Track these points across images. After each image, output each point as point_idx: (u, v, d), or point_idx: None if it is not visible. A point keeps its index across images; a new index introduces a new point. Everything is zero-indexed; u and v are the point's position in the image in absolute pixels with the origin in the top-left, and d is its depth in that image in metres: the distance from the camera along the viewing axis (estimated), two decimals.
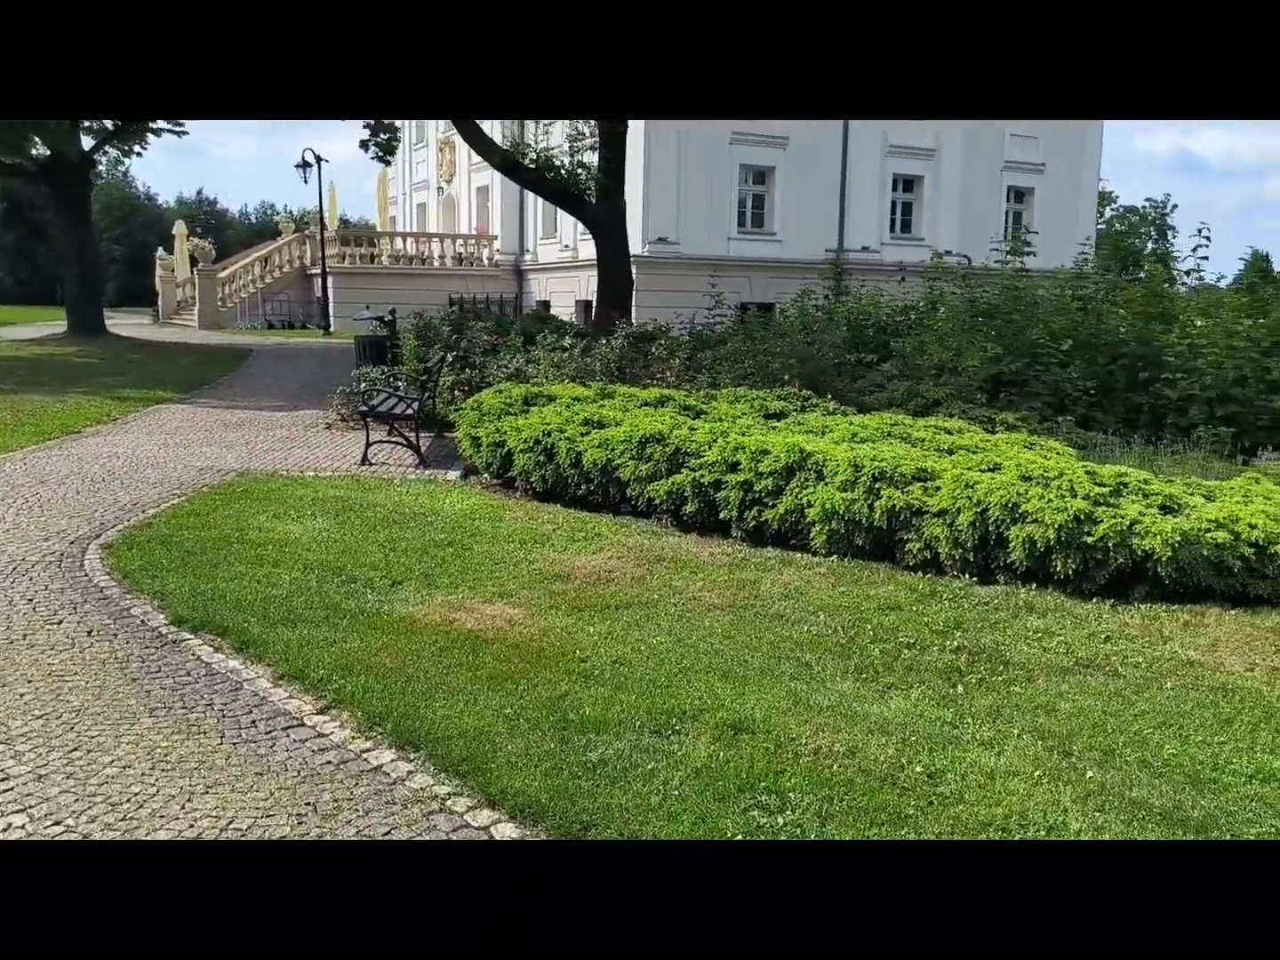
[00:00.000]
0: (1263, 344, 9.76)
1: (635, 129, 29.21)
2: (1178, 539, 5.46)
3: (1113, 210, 67.41)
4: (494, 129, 33.64)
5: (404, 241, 34.95)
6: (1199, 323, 10.51)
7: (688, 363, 10.70)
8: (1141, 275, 15.87)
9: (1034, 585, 5.83)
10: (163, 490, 8.11)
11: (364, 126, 23.66)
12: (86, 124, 19.96)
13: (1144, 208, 72.66)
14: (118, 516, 7.23)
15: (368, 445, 9.43)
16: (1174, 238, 79.15)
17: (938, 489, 6.26)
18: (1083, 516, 5.65)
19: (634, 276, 16.75)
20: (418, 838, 3.48)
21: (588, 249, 32.84)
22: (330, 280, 32.12)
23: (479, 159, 37.10)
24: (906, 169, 32.46)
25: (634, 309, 29.99)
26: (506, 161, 15.67)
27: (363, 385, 11.73)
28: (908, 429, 8.20)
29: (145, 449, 9.93)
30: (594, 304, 16.57)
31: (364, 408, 9.32)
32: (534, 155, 15.51)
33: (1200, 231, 13.03)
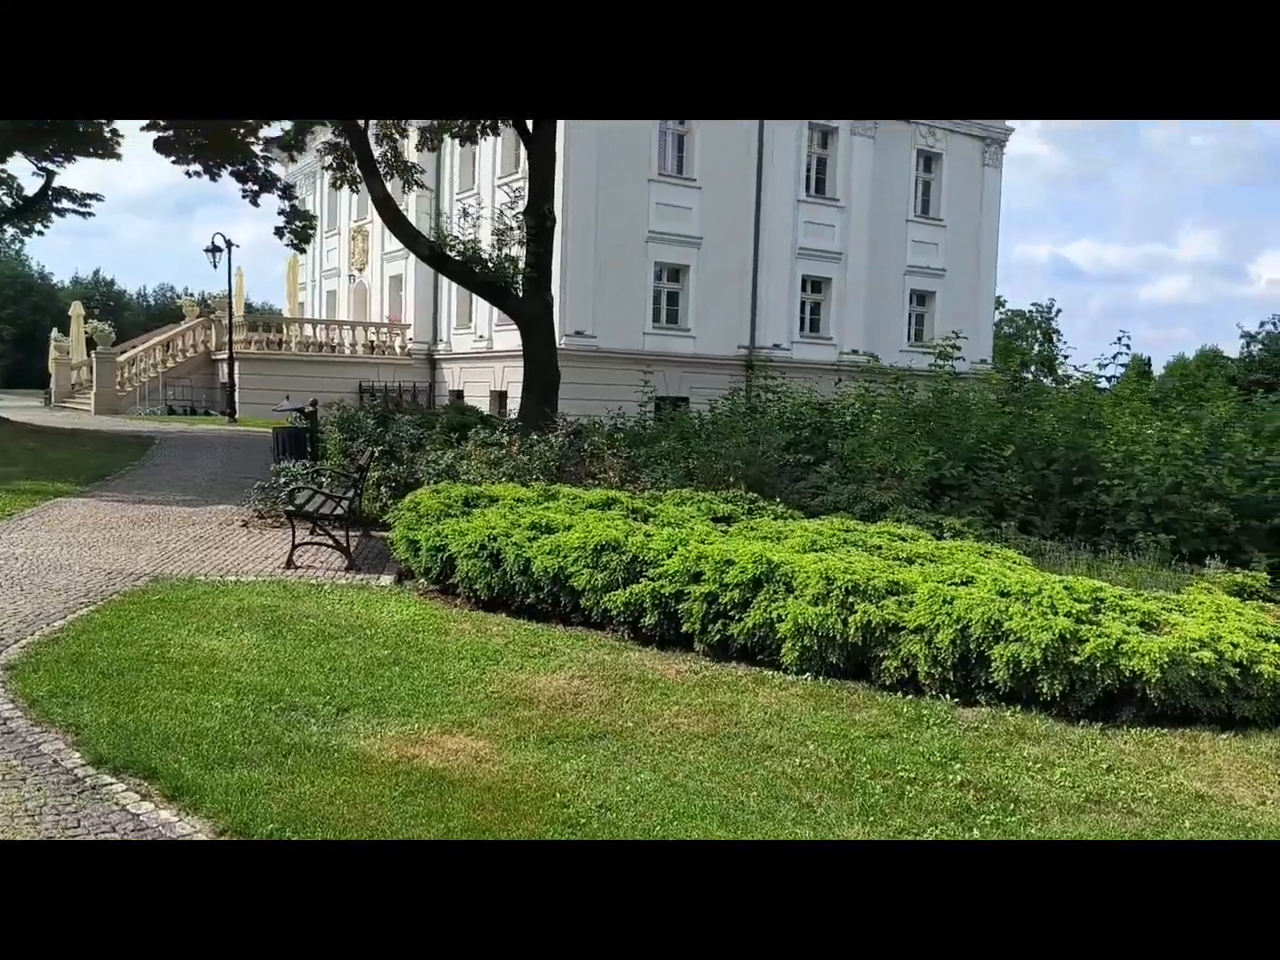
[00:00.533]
0: (1196, 451, 9.96)
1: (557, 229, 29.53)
2: (1165, 660, 5.32)
3: (1000, 313, 70.42)
4: (420, 221, 33.58)
5: (314, 328, 34.35)
6: (1132, 428, 10.72)
7: (628, 461, 10.44)
8: (1029, 376, 16.42)
9: (1018, 707, 5.61)
10: (69, 598, 7.41)
11: (279, 213, 23.30)
12: None
13: (1030, 311, 76.28)
14: (19, 630, 6.54)
15: (294, 547, 8.86)
16: (1060, 340, 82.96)
17: (912, 604, 6.05)
18: (1068, 635, 5.48)
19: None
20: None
21: (503, 340, 32.74)
22: (237, 366, 31.27)
23: (393, 247, 36.95)
24: (815, 270, 33.36)
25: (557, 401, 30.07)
26: (434, 254, 15.45)
27: (283, 481, 11.16)
28: (861, 535, 8.04)
29: (46, 549, 9.17)
30: (520, 397, 16.27)
31: (290, 507, 8.78)
32: (461, 248, 15.31)
33: (1120, 339, 13.49)
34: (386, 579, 8.58)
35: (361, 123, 15.31)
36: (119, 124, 28.03)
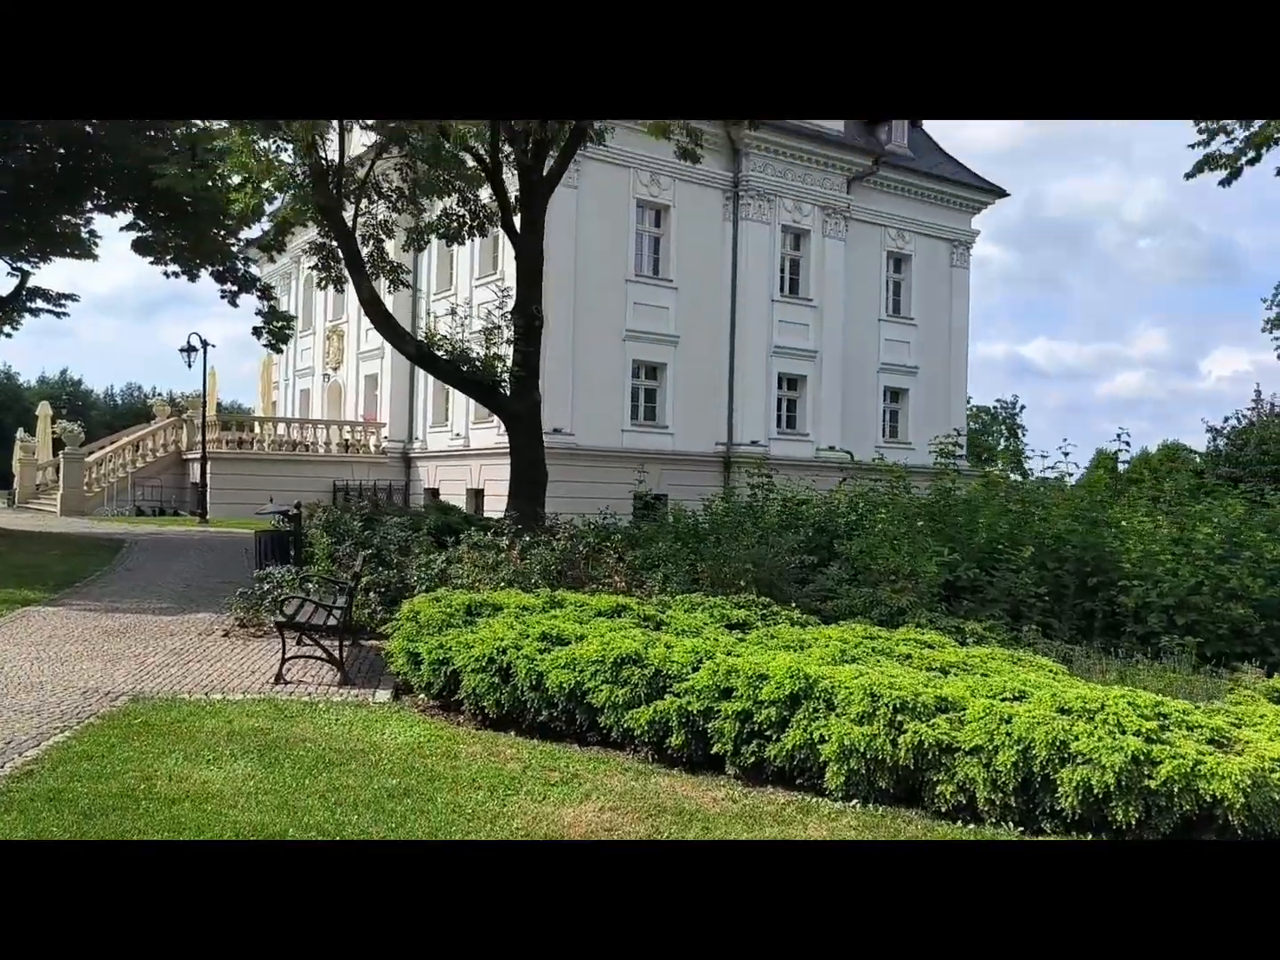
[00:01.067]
0: (1216, 550, 9.74)
1: None
2: (1248, 782, 4.95)
3: (966, 410, 71.54)
4: (407, 320, 33.52)
5: (288, 427, 33.96)
6: (1148, 526, 10.51)
7: (632, 564, 10.04)
8: (993, 471, 16.29)
9: (1088, 834, 5.19)
10: (42, 722, 6.84)
11: (256, 313, 23.12)
12: None
13: (994, 407, 77.44)
14: None
15: (284, 661, 8.33)
16: (1024, 435, 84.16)
17: (964, 721, 5.66)
18: (1141, 757, 5.10)
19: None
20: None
21: (480, 438, 32.51)
22: (209, 466, 30.75)
23: (370, 346, 36.93)
24: (791, 368, 33.59)
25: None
26: (421, 353, 15.23)
27: (267, 588, 10.65)
28: (886, 643, 7.67)
29: (15, 665, 8.57)
30: (508, 497, 15.90)
31: (279, 617, 8.27)
32: (449, 347, 15.11)
33: (1119, 436, 13.44)
34: (383, 694, 8.05)
35: (350, 223, 15.20)
36: (97, 225, 27.96)
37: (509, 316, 15.54)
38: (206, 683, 8.23)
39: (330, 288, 16.45)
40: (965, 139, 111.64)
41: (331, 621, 8.39)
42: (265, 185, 14.40)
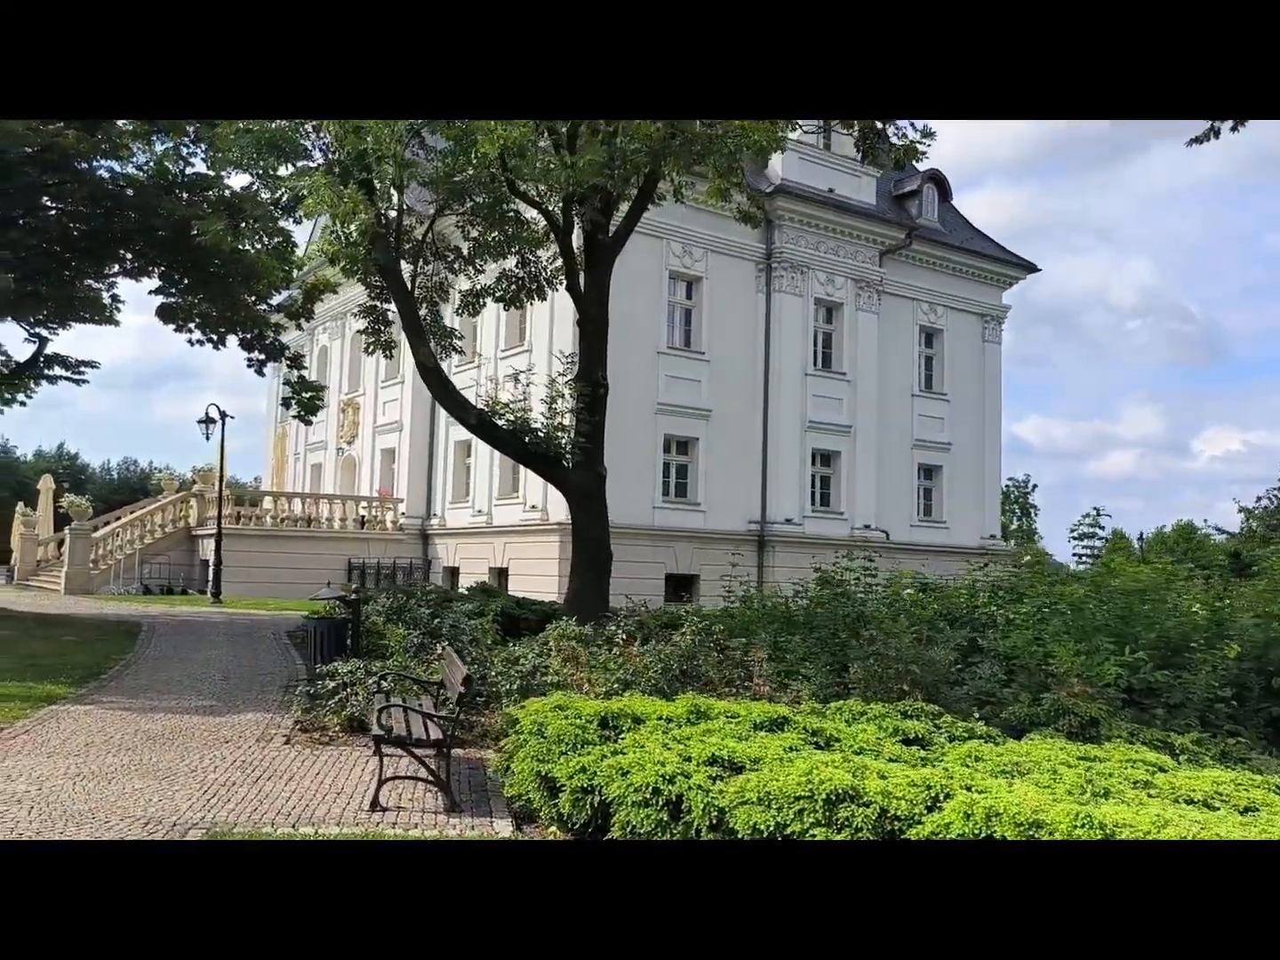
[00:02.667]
0: None
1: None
2: None
3: (1001, 489, 70.96)
4: (469, 390, 32.50)
5: (303, 503, 32.71)
6: None
7: (773, 663, 8.71)
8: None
9: None
10: None
11: (285, 383, 22.07)
12: None
13: (1006, 486, 76.72)
14: None
15: (380, 784, 6.97)
16: (1036, 514, 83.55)
17: None
18: None
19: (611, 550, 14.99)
20: None
21: (503, 515, 31.24)
22: (230, 543, 29.45)
23: (387, 420, 35.85)
24: (824, 444, 32.58)
25: (558, 579, 28.30)
26: (482, 422, 14.09)
27: (331, 686, 9.32)
28: (1107, 765, 6.40)
29: (54, 786, 7.21)
30: (571, 579, 14.63)
31: (378, 731, 6.92)
32: (511, 416, 13.98)
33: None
34: (502, 825, 6.70)
35: (409, 283, 14.19)
36: (120, 290, 27.05)
37: (572, 385, 14.45)
38: (288, 808, 6.87)
39: (379, 353, 15.36)
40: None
41: (435, 736, 7.03)
42: (340, 234, 13.27)
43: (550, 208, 13.94)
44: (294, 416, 21.37)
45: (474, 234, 14.00)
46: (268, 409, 44.87)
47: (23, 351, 21.31)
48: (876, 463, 33.51)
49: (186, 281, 20.04)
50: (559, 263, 15.34)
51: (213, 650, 15.21)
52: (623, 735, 6.67)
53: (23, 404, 21.99)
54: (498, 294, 15.33)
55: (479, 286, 15.31)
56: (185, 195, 18.40)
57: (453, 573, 32.00)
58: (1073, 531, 12.87)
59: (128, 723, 9.52)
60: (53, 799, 6.86)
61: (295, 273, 21.00)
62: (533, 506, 29.45)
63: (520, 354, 30.55)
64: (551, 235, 14.55)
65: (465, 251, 14.67)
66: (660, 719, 6.92)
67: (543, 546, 28.61)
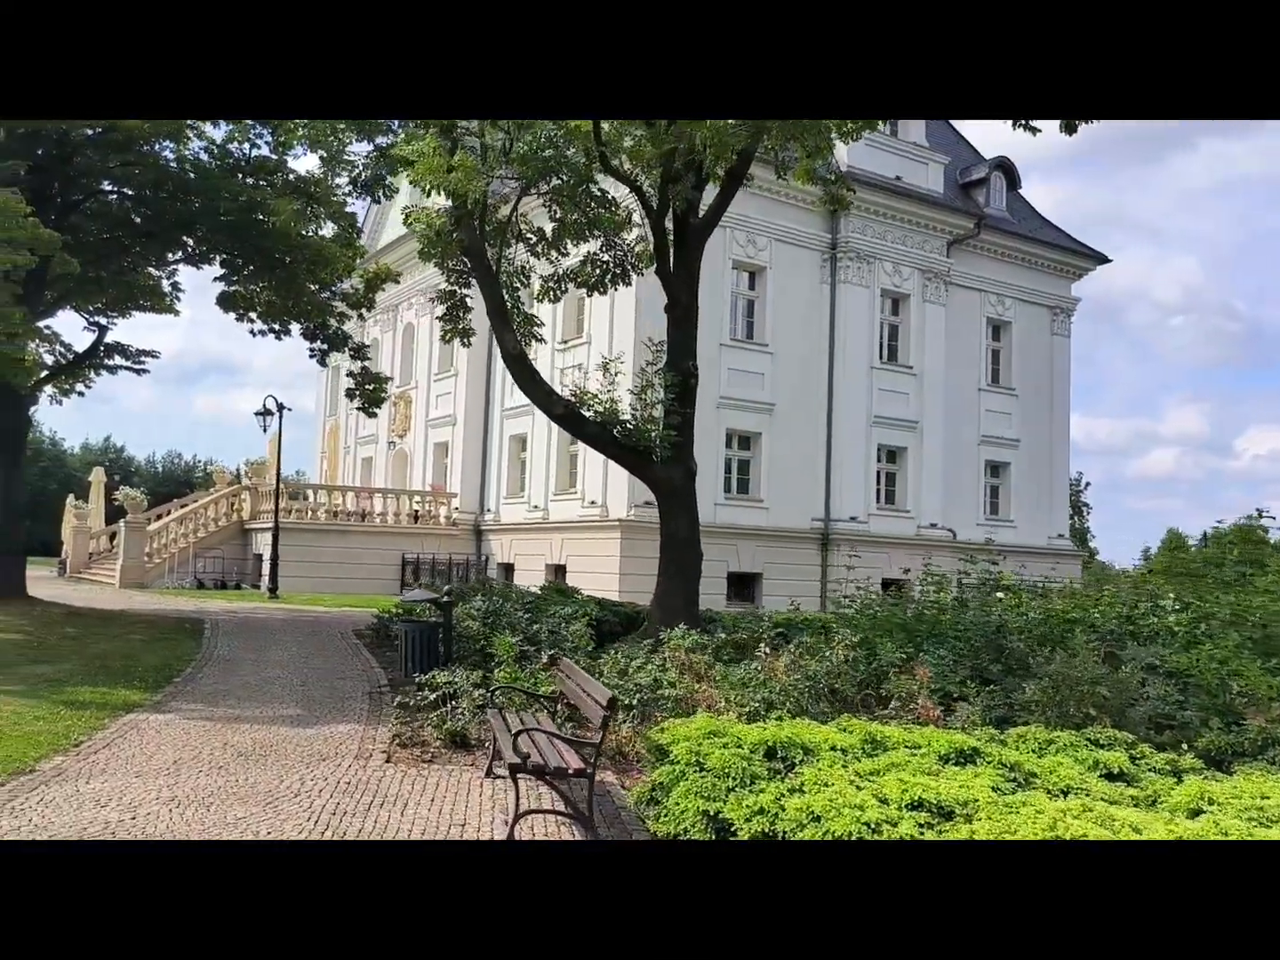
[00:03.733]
0: None
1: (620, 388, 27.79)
2: None
3: (1070, 487, 69.56)
4: (554, 379, 31.70)
5: (356, 497, 32.16)
6: None
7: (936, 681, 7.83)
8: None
9: None
10: None
11: (348, 375, 21.44)
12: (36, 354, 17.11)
13: None
14: None
15: (516, 819, 6.18)
16: (1089, 514, 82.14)
17: None
18: None
19: (701, 547, 14.15)
20: None
21: (560, 510, 30.49)
22: (286, 538, 28.98)
23: (439, 414, 35.22)
24: (890, 439, 31.57)
25: (619, 576, 27.55)
26: (569, 412, 13.30)
27: (433, 698, 8.57)
28: None
29: (151, 812, 6.51)
30: (658, 583, 13.83)
31: (515, 759, 6.13)
32: (599, 407, 13.19)
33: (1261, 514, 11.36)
34: None
35: (494, 267, 13.42)
36: (181, 277, 26.59)
37: (662, 374, 13.64)
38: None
39: (430, 345, 14.64)
40: None
41: (577, 767, 6.23)
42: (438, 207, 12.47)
43: (643, 185, 13.11)
44: (357, 409, 20.74)
45: (558, 215, 13.17)
46: (316, 403, 44.48)
47: (81, 341, 20.79)
48: (943, 459, 32.45)
49: (250, 268, 19.44)
50: (642, 247, 14.52)
51: (282, 651, 14.56)
52: (795, 768, 5.84)
53: (80, 394, 21.50)
54: (580, 279, 14.54)
55: (560, 271, 14.53)
56: (250, 179, 17.74)
57: (507, 569, 31.34)
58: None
59: (214, 735, 8.83)
60: (150, 830, 6.14)
61: (356, 261, 20.37)
62: (591, 502, 28.71)
63: (578, 346, 29.82)
64: (636, 217, 13.75)
65: (548, 234, 13.88)
66: (832, 749, 6.08)
67: (603, 544, 27.86)
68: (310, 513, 30.20)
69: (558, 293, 14.62)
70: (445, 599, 10.23)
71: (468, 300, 14.46)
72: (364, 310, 21.63)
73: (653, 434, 13.19)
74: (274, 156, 18.53)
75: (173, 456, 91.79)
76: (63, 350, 20.01)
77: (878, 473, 31.58)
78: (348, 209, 18.45)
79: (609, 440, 13.30)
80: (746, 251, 29.40)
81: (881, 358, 31.65)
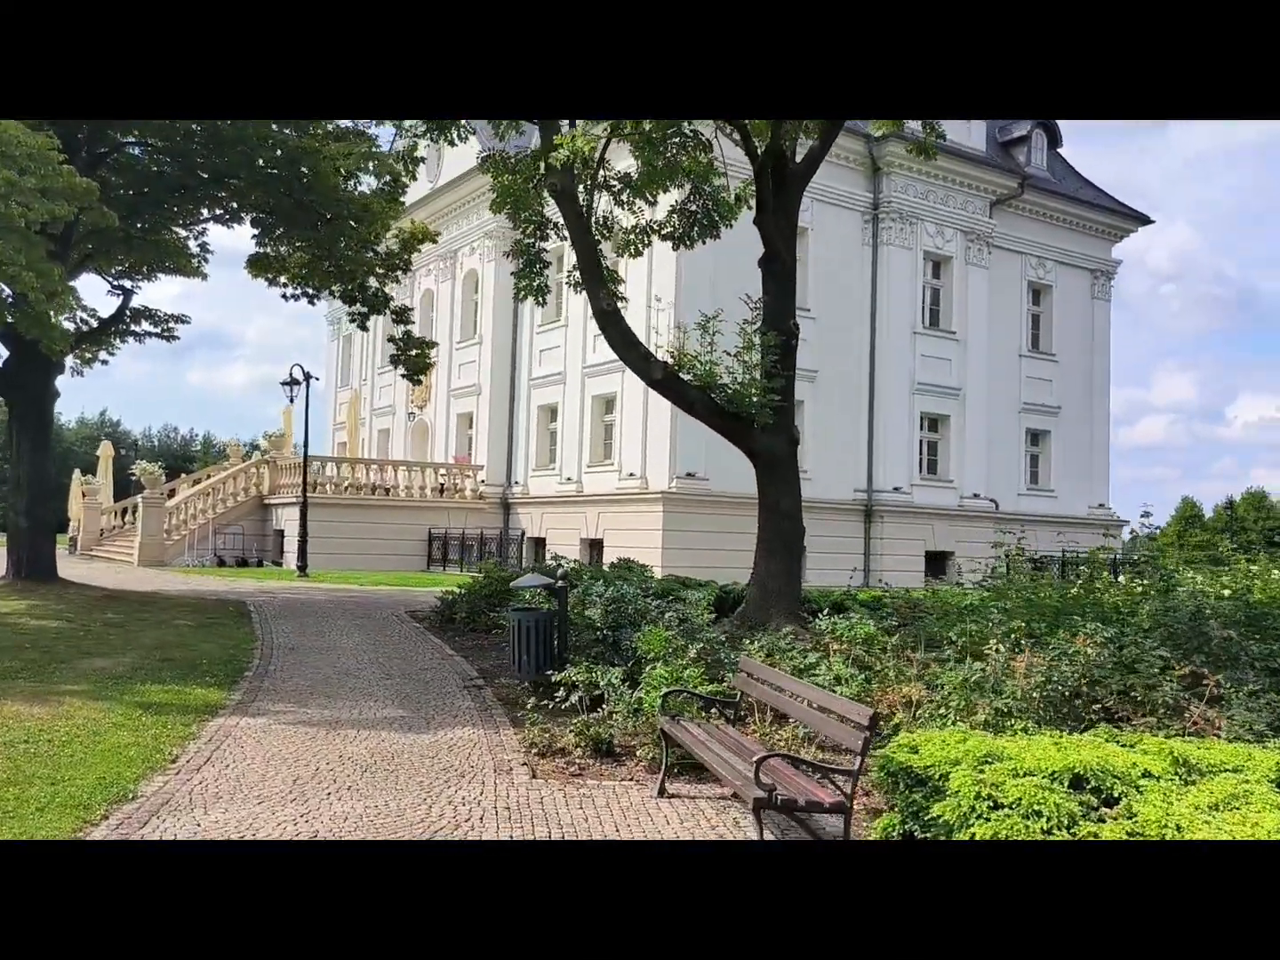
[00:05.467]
0: None
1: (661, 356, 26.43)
2: None
3: (1109, 456, 68.59)
4: (556, 350, 30.45)
5: (380, 469, 30.95)
6: None
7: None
8: None
9: None
10: None
11: (389, 340, 20.22)
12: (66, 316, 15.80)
13: None
14: None
15: None
16: None
17: None
18: None
19: (803, 524, 13.06)
20: None
21: (594, 482, 29.33)
22: (296, 511, 27.79)
23: (463, 384, 33.90)
24: (934, 407, 30.50)
25: (661, 551, 26.45)
26: (668, 376, 12.13)
27: (567, 704, 7.45)
28: None
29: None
30: (756, 561, 12.74)
31: (759, 792, 5.00)
32: (698, 368, 12.03)
33: None
34: None
35: (585, 213, 12.19)
36: (211, 238, 25.25)
37: (762, 334, 12.48)
38: None
39: (530, 300, 13.38)
40: None
41: (823, 794, 5.12)
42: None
43: (747, 124, 11.88)
44: (402, 375, 19.52)
45: (646, 159, 11.94)
46: (326, 375, 43.12)
47: (103, 306, 19.50)
48: (985, 428, 31.41)
49: (284, 227, 18.15)
50: (730, 195, 13.31)
51: (344, 637, 13.47)
52: (1114, 803, 4.75)
53: (104, 363, 20.19)
54: (664, 231, 13.33)
55: (644, 223, 13.32)
56: (289, 130, 16.41)
57: (538, 543, 30.22)
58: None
59: (322, 745, 7.73)
60: None
61: (400, 216, 19.09)
62: (630, 474, 27.59)
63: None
64: (721, 162, 12.55)
65: (634, 180, 12.64)
66: (1144, 776, 4.99)
67: (644, 517, 26.78)
68: (333, 486, 28.98)
69: (640, 246, 13.40)
70: (560, 584, 9.12)
71: (544, 254, 13.23)
72: (400, 273, 20.31)
73: (754, 399, 12.04)
74: None
75: (169, 430, 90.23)
76: (85, 316, 18.72)
77: (920, 442, 30.52)
78: (392, 161, 17.12)
79: (711, 407, 12.14)
80: None
81: (924, 322, 30.51)
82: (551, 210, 13.48)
